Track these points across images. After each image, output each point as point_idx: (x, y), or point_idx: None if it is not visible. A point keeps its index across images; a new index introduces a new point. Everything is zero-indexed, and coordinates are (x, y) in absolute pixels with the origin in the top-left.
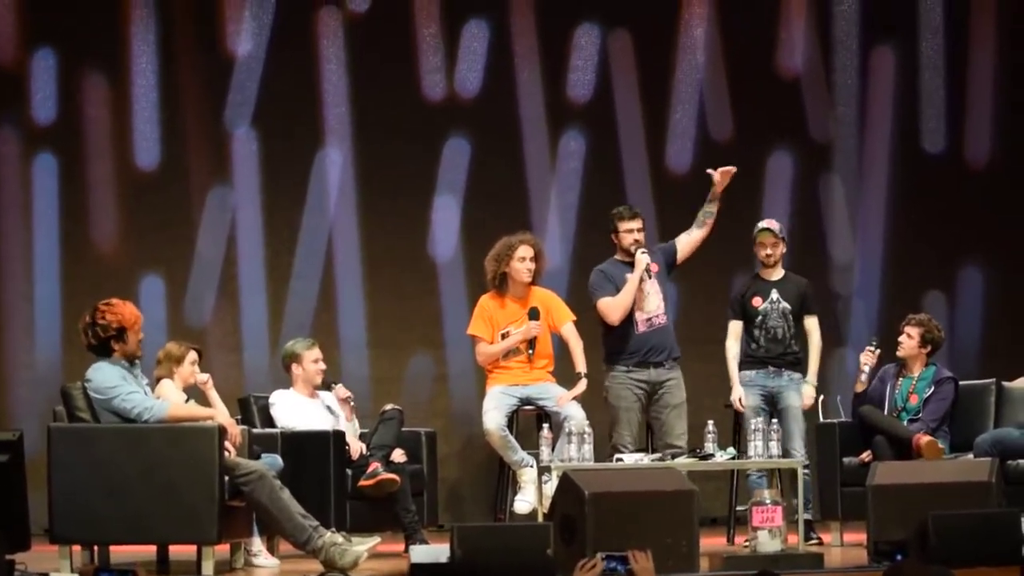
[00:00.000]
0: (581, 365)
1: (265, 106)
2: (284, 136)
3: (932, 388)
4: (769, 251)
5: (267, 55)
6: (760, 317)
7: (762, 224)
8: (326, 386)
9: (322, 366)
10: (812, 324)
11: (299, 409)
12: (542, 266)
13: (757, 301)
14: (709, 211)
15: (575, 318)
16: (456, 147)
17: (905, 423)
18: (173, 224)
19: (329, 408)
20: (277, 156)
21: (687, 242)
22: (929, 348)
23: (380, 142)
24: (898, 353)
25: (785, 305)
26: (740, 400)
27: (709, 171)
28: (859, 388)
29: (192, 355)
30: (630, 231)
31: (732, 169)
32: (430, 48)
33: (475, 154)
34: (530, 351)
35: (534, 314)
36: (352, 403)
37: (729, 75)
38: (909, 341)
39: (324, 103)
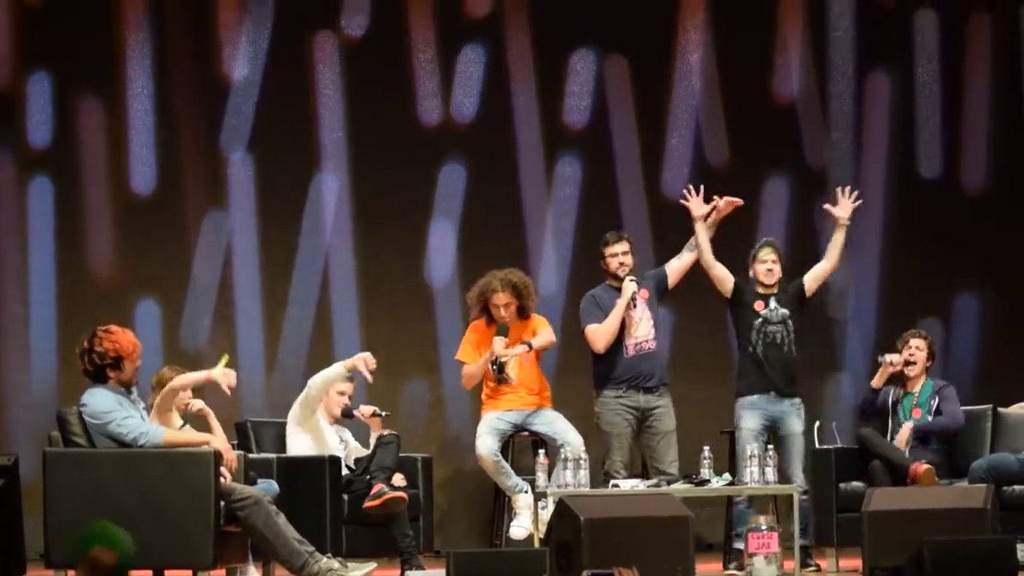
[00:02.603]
0: (535, 339)
1: (261, 130)
2: (280, 160)
3: (937, 399)
4: (770, 266)
5: (263, 79)
6: (760, 320)
7: (765, 239)
8: (347, 415)
9: (345, 400)
10: (811, 271)
11: (323, 424)
12: (529, 303)
13: (759, 305)
14: (700, 238)
15: (552, 339)
16: (452, 172)
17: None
18: (169, 248)
19: (341, 439)
20: (273, 180)
21: (678, 267)
22: (931, 361)
23: (376, 167)
24: (910, 372)
25: (783, 311)
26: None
27: (716, 197)
28: (877, 384)
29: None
30: (615, 255)
31: (739, 201)
32: (426, 73)
33: (471, 179)
34: (494, 368)
35: (502, 331)
36: (381, 415)
37: (725, 101)
38: (920, 354)
39: (320, 127)
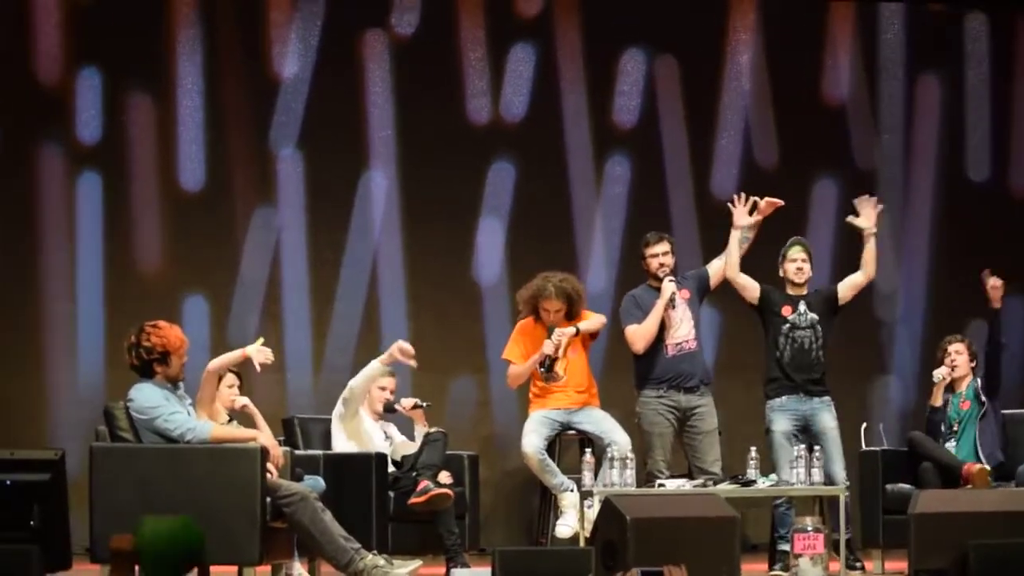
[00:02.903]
0: (583, 324)
1: (310, 128)
2: (329, 158)
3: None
4: (800, 265)
5: (313, 77)
6: (788, 326)
7: (795, 238)
8: (389, 410)
9: (388, 395)
10: (846, 280)
11: (363, 425)
12: (579, 309)
13: (787, 311)
14: (746, 237)
15: (603, 321)
16: (501, 171)
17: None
18: (217, 245)
19: (387, 434)
20: (322, 178)
21: (720, 267)
22: (974, 362)
23: (425, 165)
24: (953, 376)
25: (813, 316)
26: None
27: (756, 199)
28: (937, 402)
29: (230, 378)
30: (655, 256)
31: (780, 202)
32: (476, 72)
33: (520, 178)
34: (542, 370)
35: (551, 332)
36: (422, 406)
37: (775, 102)
38: (961, 357)
39: (369, 125)
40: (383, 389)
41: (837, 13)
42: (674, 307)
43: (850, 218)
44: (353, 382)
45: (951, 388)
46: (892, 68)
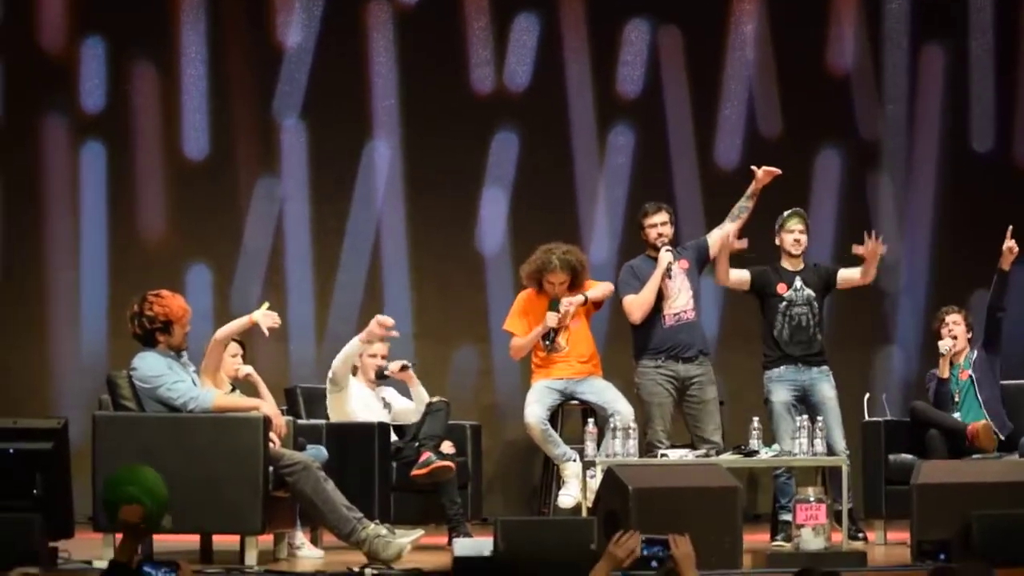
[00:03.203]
0: (591, 291)
1: (314, 97)
2: (333, 128)
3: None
4: (798, 236)
5: (317, 46)
6: (784, 303)
7: (793, 208)
8: (380, 376)
9: (379, 361)
10: (847, 271)
11: (356, 396)
12: (583, 278)
13: (782, 288)
14: (745, 206)
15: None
16: (504, 141)
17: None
18: (220, 214)
19: (385, 400)
20: (325, 148)
21: (719, 236)
22: (971, 332)
23: (428, 135)
24: (956, 348)
25: (809, 292)
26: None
27: (753, 167)
28: (945, 374)
29: (233, 347)
30: (653, 226)
31: (777, 171)
32: (479, 41)
33: (523, 148)
34: (546, 342)
35: (553, 305)
36: (409, 366)
37: (778, 72)
38: (958, 328)
39: (373, 95)
40: (374, 356)
41: None
42: (671, 277)
43: (856, 249)
44: (334, 362)
45: (951, 361)
46: (896, 38)
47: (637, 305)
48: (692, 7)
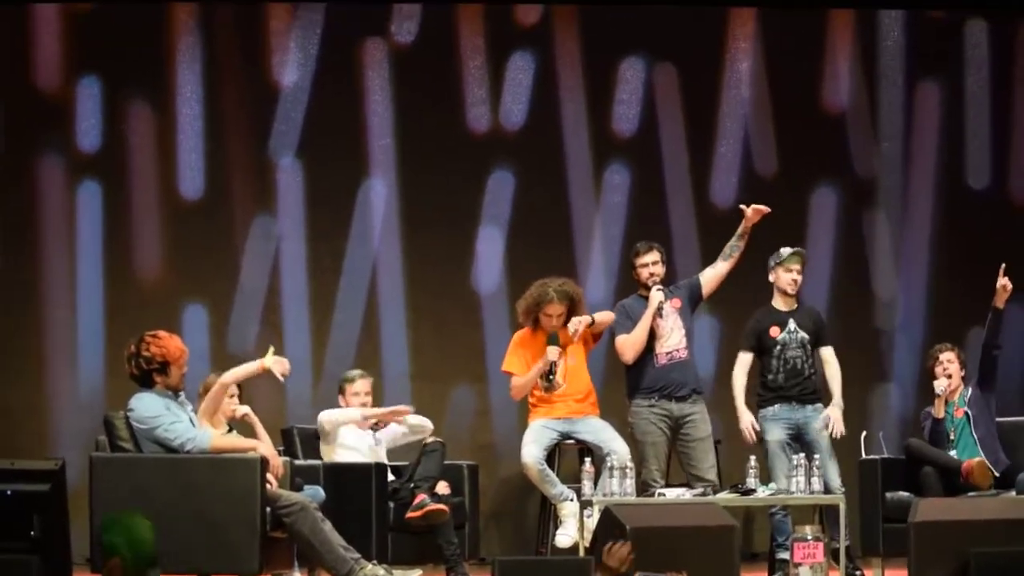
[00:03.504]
0: (597, 315)
1: (310, 136)
2: (329, 166)
3: (970, 403)
4: (796, 276)
5: (312, 85)
6: (779, 347)
7: (793, 248)
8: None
9: (362, 399)
10: (830, 353)
11: (345, 443)
12: (580, 310)
13: (775, 331)
14: (736, 245)
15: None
16: (500, 179)
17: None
18: (217, 253)
19: (375, 438)
20: (322, 186)
21: (712, 276)
22: (963, 370)
23: (425, 173)
24: (950, 387)
25: (803, 335)
26: (751, 426)
27: (742, 206)
28: (940, 414)
29: (231, 388)
30: (645, 265)
31: (766, 209)
32: (475, 80)
33: (519, 187)
34: (550, 376)
35: (553, 339)
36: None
37: (774, 110)
38: (952, 366)
39: (369, 134)
40: (356, 395)
41: (837, 20)
42: (662, 316)
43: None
44: (328, 418)
45: (946, 400)
46: (892, 75)
47: (629, 345)
48: (687, 45)
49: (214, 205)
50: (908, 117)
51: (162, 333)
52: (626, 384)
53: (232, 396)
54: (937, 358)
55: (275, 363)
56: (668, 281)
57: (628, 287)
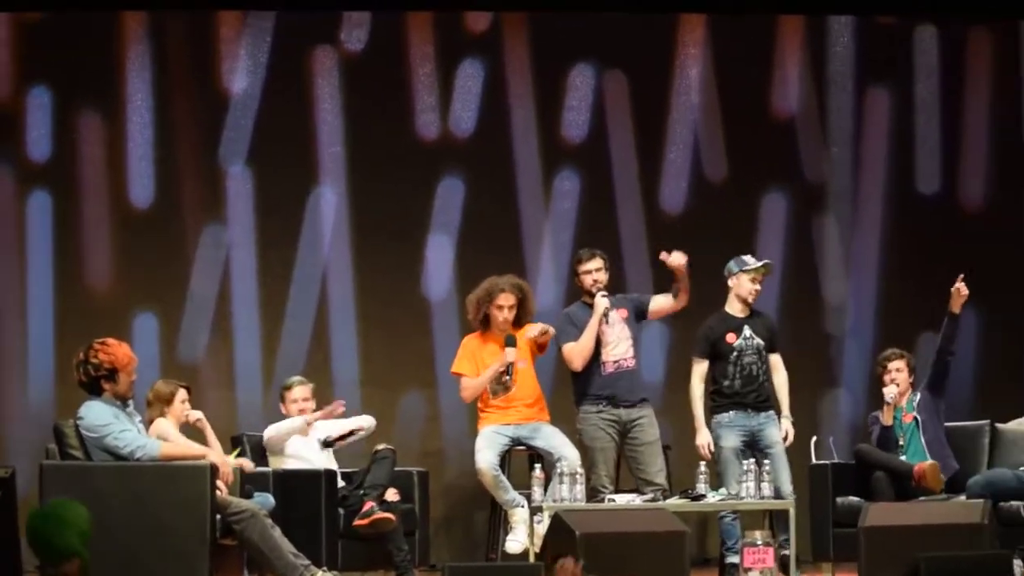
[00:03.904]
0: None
1: (260, 144)
2: (279, 174)
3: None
4: (757, 286)
5: (263, 93)
6: (735, 354)
7: (765, 260)
8: (329, 445)
9: (300, 406)
10: (778, 360)
11: (292, 453)
12: (529, 308)
13: (731, 337)
14: (677, 287)
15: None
16: (450, 186)
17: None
18: (167, 262)
19: (320, 441)
20: (272, 194)
21: (661, 305)
22: (912, 376)
23: (375, 181)
24: (898, 393)
25: (759, 341)
26: (708, 446)
27: (662, 255)
28: (888, 421)
29: (182, 393)
30: (588, 272)
31: (683, 259)
32: (425, 88)
33: (469, 193)
34: (506, 377)
35: (510, 341)
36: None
37: (724, 116)
38: (900, 375)
39: (319, 141)
40: (295, 401)
41: (786, 26)
42: (607, 322)
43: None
44: (274, 432)
45: (893, 406)
46: (841, 81)
47: (576, 352)
48: (637, 52)
49: (164, 213)
50: (858, 123)
51: (111, 341)
52: (573, 390)
53: (184, 401)
54: (885, 366)
55: (222, 465)
56: (617, 289)
57: (578, 293)
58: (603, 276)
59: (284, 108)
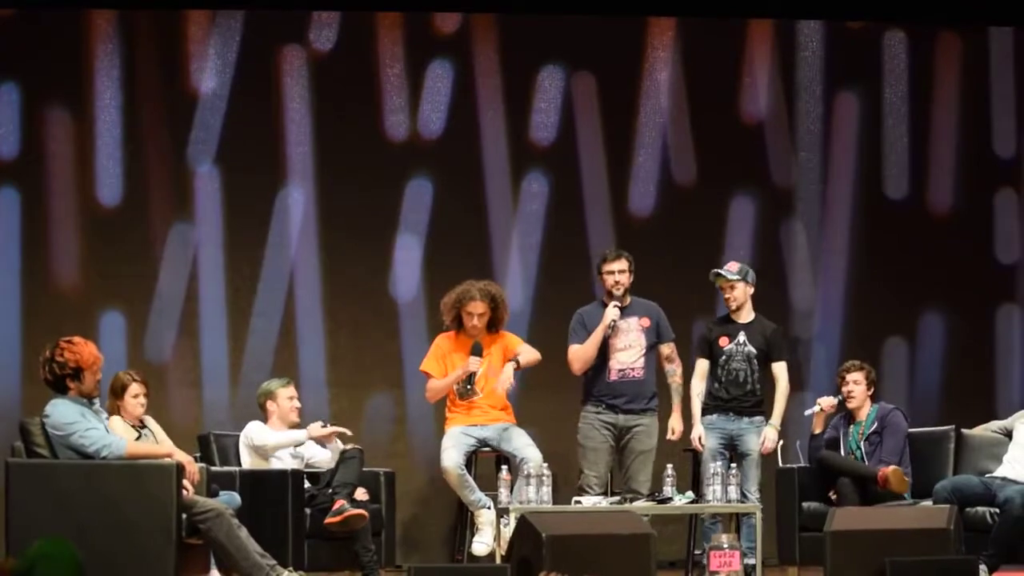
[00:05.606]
0: (521, 356)
1: (228, 143)
2: (247, 174)
3: (876, 423)
4: (727, 295)
5: (231, 92)
6: (724, 358)
7: (715, 270)
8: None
9: (297, 404)
10: (779, 369)
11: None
12: (502, 315)
13: (724, 341)
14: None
15: (538, 356)
16: (419, 187)
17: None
18: (134, 260)
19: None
20: (239, 194)
21: (663, 356)
22: (872, 390)
23: (343, 181)
24: (850, 405)
25: (750, 349)
26: (700, 439)
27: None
28: (817, 430)
29: (135, 388)
30: (611, 273)
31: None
32: (394, 88)
33: (437, 195)
34: (468, 386)
35: (476, 350)
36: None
37: (692, 119)
38: (858, 387)
39: (287, 141)
40: (291, 399)
41: (755, 31)
42: (613, 332)
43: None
44: (269, 439)
45: (851, 418)
46: (810, 86)
47: (577, 357)
48: (606, 54)
49: (132, 212)
50: (827, 127)
51: (77, 339)
52: (582, 388)
53: (136, 396)
54: (844, 377)
55: (189, 464)
56: (627, 291)
57: (546, 295)
58: (625, 279)
59: (252, 107)
